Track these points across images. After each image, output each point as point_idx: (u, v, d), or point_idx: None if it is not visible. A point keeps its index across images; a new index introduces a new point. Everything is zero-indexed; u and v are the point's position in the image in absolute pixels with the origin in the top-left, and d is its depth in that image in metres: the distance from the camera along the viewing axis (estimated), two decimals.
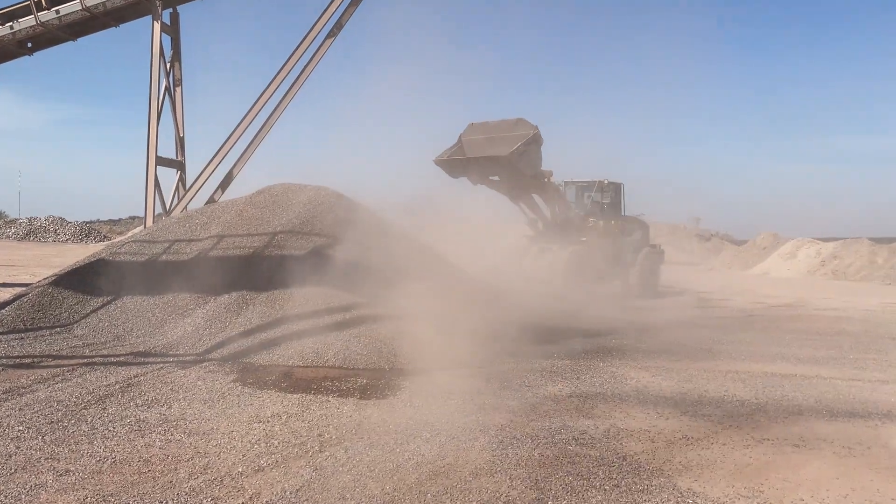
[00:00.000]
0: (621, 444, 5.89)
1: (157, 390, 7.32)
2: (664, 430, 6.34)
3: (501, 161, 14.80)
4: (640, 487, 4.92)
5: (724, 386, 8.15)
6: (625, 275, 18.78)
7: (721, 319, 14.46)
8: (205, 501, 4.56)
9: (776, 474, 5.25)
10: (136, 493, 4.66)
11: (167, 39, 15.84)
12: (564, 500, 4.68)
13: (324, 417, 6.47)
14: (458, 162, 15.91)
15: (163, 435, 5.88)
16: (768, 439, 6.11)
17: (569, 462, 5.40)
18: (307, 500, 4.61)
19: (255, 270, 11.05)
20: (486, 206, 17.86)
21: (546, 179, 16.51)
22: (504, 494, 4.75)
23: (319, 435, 5.95)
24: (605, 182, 19.18)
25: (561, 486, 4.92)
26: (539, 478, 5.06)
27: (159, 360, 8.80)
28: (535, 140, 15.25)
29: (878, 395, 7.94)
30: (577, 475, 5.12)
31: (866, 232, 36.29)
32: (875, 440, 6.18)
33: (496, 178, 16.13)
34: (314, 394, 7.34)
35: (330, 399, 7.14)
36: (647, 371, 8.86)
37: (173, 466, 5.16)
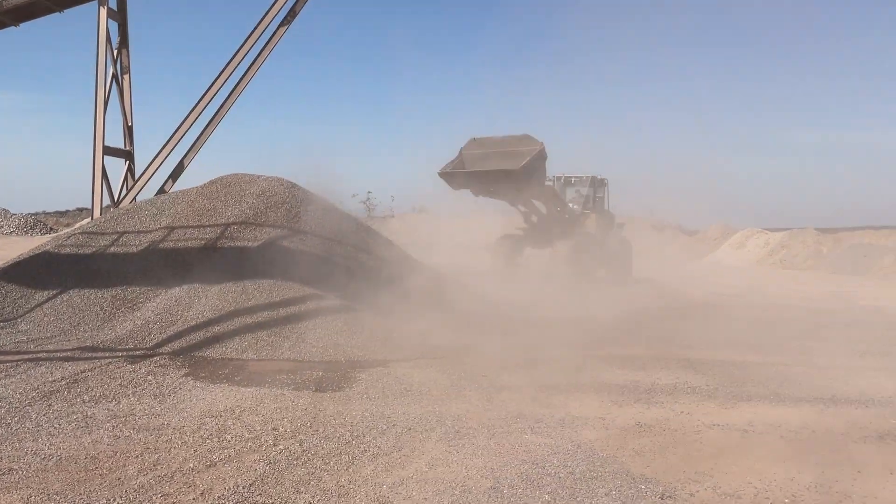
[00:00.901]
0: (576, 432, 5.96)
1: (106, 386, 7.13)
2: (618, 417, 6.43)
3: (512, 174, 15.37)
4: (594, 474, 4.98)
5: (676, 374, 8.30)
6: (610, 265, 19.59)
7: (674, 309, 14.71)
8: (154, 498, 4.47)
9: (726, 459, 5.37)
10: (82, 491, 4.53)
11: (114, 25, 15.39)
12: (520, 488, 4.71)
13: (278, 411, 6.39)
14: (462, 175, 16.36)
15: (111, 431, 5.73)
16: (718, 425, 6.24)
17: (524, 451, 5.43)
18: (261, 494, 4.55)
19: (206, 263, 10.83)
20: (457, 202, 18.07)
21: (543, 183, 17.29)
22: (460, 484, 4.75)
23: (274, 429, 5.88)
24: (598, 178, 20.23)
25: (516, 474, 4.94)
26: (495, 467, 5.08)
27: (108, 354, 8.57)
28: (541, 155, 15.94)
29: (823, 380, 8.17)
30: (533, 463, 5.15)
31: (812, 222, 37.37)
32: (820, 424, 6.37)
33: (496, 188, 16.63)
34: (268, 387, 7.24)
35: (285, 392, 7.05)
36: (602, 360, 8.96)
37: (122, 463, 5.04)
